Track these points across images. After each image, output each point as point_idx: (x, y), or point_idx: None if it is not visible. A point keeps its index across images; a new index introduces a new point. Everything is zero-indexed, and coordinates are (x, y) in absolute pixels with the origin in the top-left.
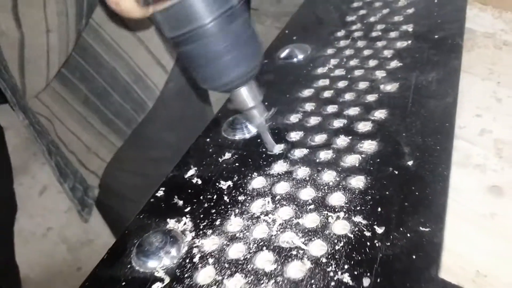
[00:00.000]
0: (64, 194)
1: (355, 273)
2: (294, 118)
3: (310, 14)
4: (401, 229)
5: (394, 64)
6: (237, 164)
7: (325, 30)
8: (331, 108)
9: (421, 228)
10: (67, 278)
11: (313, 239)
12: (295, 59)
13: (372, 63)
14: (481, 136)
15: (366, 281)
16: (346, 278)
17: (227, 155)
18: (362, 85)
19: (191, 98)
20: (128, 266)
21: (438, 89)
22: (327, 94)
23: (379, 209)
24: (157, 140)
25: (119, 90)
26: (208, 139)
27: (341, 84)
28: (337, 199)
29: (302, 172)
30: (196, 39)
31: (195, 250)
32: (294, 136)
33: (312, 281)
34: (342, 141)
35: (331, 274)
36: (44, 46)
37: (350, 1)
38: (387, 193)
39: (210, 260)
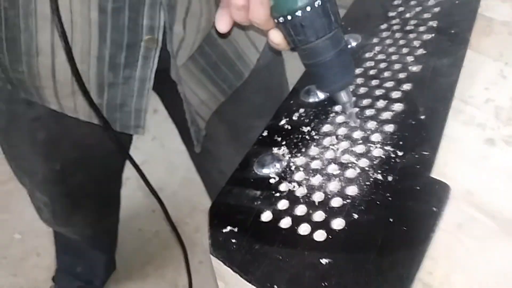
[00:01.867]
0: (137, 150)
1: (384, 174)
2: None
3: (361, 10)
4: (412, 153)
5: (420, 51)
6: (312, 117)
7: (372, 23)
8: (374, 82)
9: (423, 152)
10: (144, 218)
11: (360, 158)
12: (349, 46)
13: (404, 50)
14: (486, 104)
15: (390, 178)
16: (379, 176)
17: (305, 111)
18: (397, 66)
19: (274, 72)
20: (252, 172)
21: (447, 70)
22: (372, 72)
23: (401, 143)
24: (248, 101)
25: (226, 64)
26: (291, 101)
27: (382, 65)
28: (376, 137)
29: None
30: (319, 65)
31: (291, 164)
32: None
33: (360, 178)
34: (380, 103)
35: (370, 174)
36: (193, 39)
37: (393, 0)
38: (406, 134)
39: (301, 169)
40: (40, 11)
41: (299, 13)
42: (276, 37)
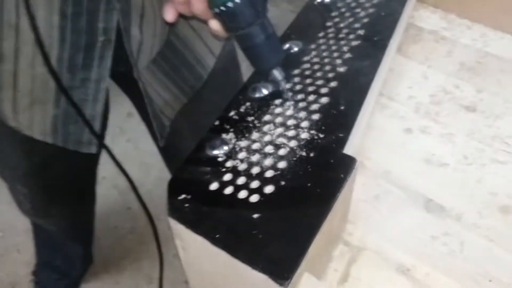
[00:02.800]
0: (113, 151)
1: (308, 151)
2: (288, 85)
3: (304, 20)
4: (331, 135)
5: (348, 55)
6: (256, 109)
7: (311, 32)
8: (308, 81)
9: (339, 134)
10: (120, 215)
11: (291, 140)
12: (291, 51)
13: (335, 54)
14: (408, 100)
15: (311, 154)
16: (304, 153)
17: (251, 104)
18: (327, 67)
19: (230, 74)
20: (205, 153)
21: (367, 71)
22: (307, 72)
23: (323, 128)
24: (208, 101)
25: (187, 67)
26: (240, 97)
27: (316, 67)
28: (304, 124)
29: (289, 112)
30: (252, 48)
31: (236, 146)
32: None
33: (289, 155)
34: (311, 97)
35: (297, 152)
36: (151, 43)
37: (331, 11)
38: (328, 121)
39: (244, 150)
40: (6, 20)
41: (230, 4)
42: (215, 25)
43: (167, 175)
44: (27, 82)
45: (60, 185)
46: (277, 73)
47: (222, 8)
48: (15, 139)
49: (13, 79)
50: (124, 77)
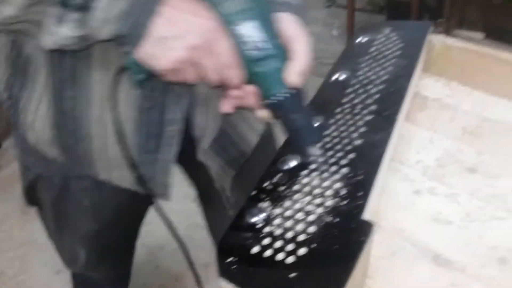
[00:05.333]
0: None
1: (333, 217)
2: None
3: (322, 97)
4: (351, 203)
5: (363, 129)
6: (286, 179)
7: (330, 108)
8: (329, 153)
9: (358, 202)
10: (148, 273)
11: (318, 207)
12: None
13: (351, 128)
14: (416, 164)
15: (336, 220)
16: (330, 219)
17: (282, 176)
18: (345, 140)
19: (268, 147)
20: (245, 220)
21: (380, 143)
22: (328, 145)
23: (345, 196)
24: (251, 170)
25: (233, 145)
26: (271, 169)
27: (335, 140)
28: (329, 192)
29: (315, 181)
30: (294, 131)
31: (271, 214)
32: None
33: (318, 221)
34: (333, 168)
35: (324, 218)
36: (213, 127)
37: (346, 89)
38: (349, 189)
39: (279, 217)
40: (93, 114)
41: (280, 97)
42: (263, 113)
43: (191, 233)
44: (116, 152)
45: (114, 246)
46: (313, 151)
47: (270, 101)
48: (81, 206)
49: (103, 150)
50: (185, 153)
